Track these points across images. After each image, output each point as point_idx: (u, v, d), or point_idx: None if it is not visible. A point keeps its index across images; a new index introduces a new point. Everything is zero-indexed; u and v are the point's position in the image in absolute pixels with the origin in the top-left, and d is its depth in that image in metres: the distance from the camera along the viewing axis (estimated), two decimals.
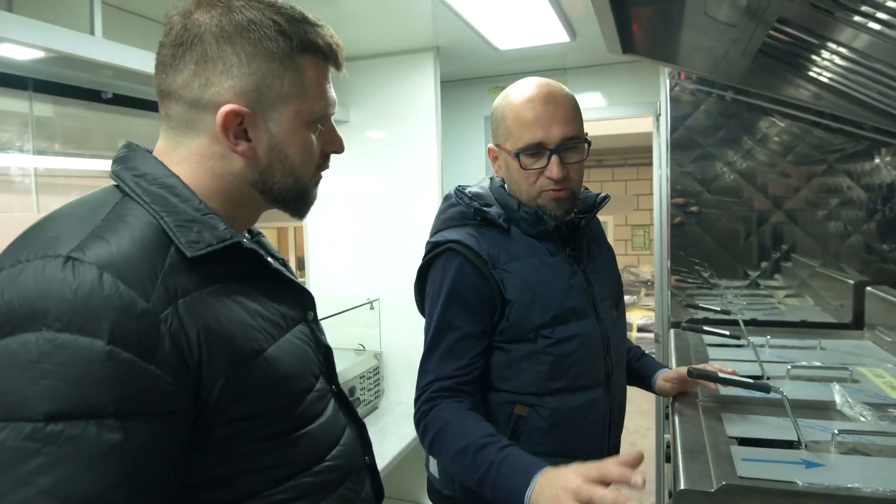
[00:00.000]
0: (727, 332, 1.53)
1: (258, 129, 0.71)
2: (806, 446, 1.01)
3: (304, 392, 0.75)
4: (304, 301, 0.83)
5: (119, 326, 0.57)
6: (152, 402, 0.59)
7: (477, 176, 3.15)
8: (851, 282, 1.85)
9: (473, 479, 0.99)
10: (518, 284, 1.11)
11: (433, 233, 1.21)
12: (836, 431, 1.02)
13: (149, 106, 1.84)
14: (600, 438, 1.17)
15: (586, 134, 1.16)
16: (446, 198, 1.23)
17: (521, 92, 1.13)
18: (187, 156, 0.72)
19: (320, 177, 0.82)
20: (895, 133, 1.77)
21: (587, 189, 1.28)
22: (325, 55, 0.74)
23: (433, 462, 1.22)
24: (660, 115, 2.28)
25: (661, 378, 1.30)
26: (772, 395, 1.11)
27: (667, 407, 1.69)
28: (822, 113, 1.93)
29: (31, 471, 0.53)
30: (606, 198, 1.27)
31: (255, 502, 0.69)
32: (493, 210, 1.15)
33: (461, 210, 1.17)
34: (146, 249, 0.63)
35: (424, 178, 2.45)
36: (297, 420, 0.73)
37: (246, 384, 0.67)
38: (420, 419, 1.09)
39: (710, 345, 1.67)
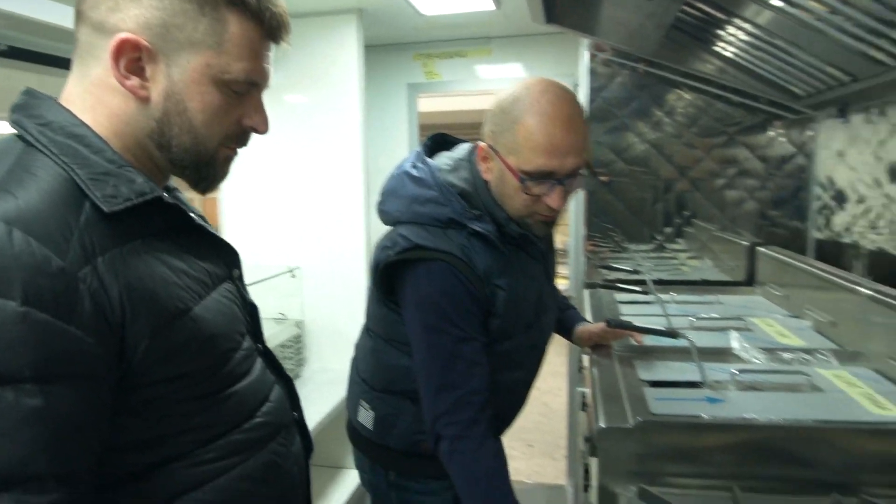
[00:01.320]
0: (638, 289, 1.65)
1: (157, 70, 0.66)
2: (709, 386, 1.12)
3: (230, 351, 0.74)
4: (228, 258, 0.80)
5: (33, 286, 0.54)
6: (73, 364, 0.57)
7: (399, 146, 3.16)
8: (745, 244, 2.02)
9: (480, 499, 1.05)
10: (504, 301, 1.10)
11: (401, 221, 1.12)
12: (735, 372, 1.14)
13: (51, 62, 1.70)
14: (523, 398, 1.28)
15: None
16: (419, 181, 1.11)
17: (542, 108, 1.01)
18: (87, 88, 0.67)
19: (233, 152, 0.76)
20: (788, 107, 1.94)
21: None
22: (258, 18, 0.69)
23: (365, 413, 1.25)
24: (578, 86, 2.36)
25: (581, 329, 1.39)
26: (680, 341, 1.22)
27: (580, 362, 1.81)
28: (725, 87, 2.08)
29: None
30: None
31: (184, 462, 0.68)
32: (489, 228, 1.08)
33: (451, 215, 1.07)
34: (57, 204, 0.59)
35: (347, 146, 2.42)
36: (224, 379, 0.72)
37: (171, 344, 0.65)
38: (453, 439, 1.06)
39: (622, 302, 1.78)
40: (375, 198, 1.22)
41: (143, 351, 0.62)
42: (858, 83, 1.43)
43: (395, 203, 1.14)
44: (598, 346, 1.38)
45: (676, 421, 0.98)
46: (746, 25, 1.49)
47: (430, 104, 3.07)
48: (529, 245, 1.16)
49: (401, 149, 2.97)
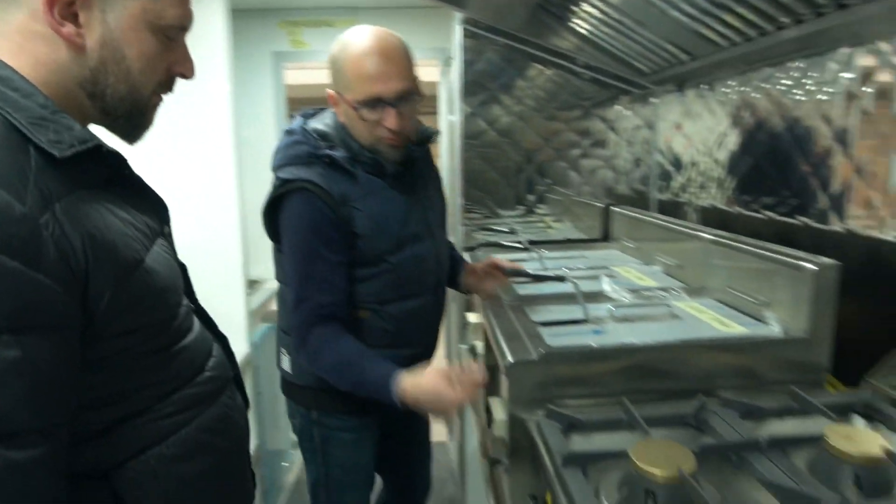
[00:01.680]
0: (519, 245, 1.80)
1: (92, 17, 0.64)
2: (592, 321, 1.29)
3: (177, 306, 0.74)
4: (161, 212, 0.79)
5: (1, 232, 0.51)
6: (46, 314, 0.54)
7: (266, 117, 3.06)
8: (600, 205, 2.27)
9: (349, 384, 1.19)
10: (364, 219, 1.24)
11: (278, 166, 1.26)
12: (612, 308, 1.31)
13: None
14: (429, 333, 1.40)
15: (421, 85, 1.27)
16: (290, 132, 1.29)
17: (360, 44, 1.19)
18: (6, 35, 0.62)
19: (161, 99, 0.75)
20: (635, 82, 2.20)
21: (422, 123, 1.40)
22: None
23: (284, 359, 1.36)
24: (452, 58, 2.46)
25: (469, 266, 1.53)
26: (566, 286, 1.38)
27: (463, 318, 1.93)
28: (581, 63, 2.29)
29: None
30: (438, 132, 1.43)
31: (145, 417, 0.68)
32: (340, 154, 1.24)
33: (309, 150, 1.24)
34: (5, 148, 0.56)
35: (215, 114, 2.29)
36: (174, 334, 0.72)
37: (129, 296, 0.63)
38: (304, 336, 1.21)
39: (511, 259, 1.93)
40: (246, 169, 1.35)
41: (106, 302, 0.60)
42: (695, 61, 1.68)
43: (275, 157, 1.29)
44: (488, 296, 1.50)
45: (572, 350, 1.12)
46: (599, 3, 1.66)
47: (302, 77, 2.99)
48: (392, 176, 1.29)
49: (267, 120, 2.88)
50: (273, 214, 1.26)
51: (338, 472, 1.38)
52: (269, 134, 2.89)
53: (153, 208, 0.75)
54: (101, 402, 0.64)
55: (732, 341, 1.15)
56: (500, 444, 1.31)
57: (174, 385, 0.71)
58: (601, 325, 1.26)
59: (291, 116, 1.31)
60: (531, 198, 2.52)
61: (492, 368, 1.51)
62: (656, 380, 1.11)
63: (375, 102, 1.19)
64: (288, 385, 1.39)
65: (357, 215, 1.22)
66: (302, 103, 1.69)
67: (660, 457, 0.84)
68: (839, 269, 1.09)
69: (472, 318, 1.94)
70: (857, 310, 1.17)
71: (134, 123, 0.72)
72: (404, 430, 1.55)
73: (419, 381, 1.15)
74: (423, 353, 1.40)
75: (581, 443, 0.98)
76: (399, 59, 1.20)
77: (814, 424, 0.99)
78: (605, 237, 2.24)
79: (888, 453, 0.82)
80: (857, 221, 1.28)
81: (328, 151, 1.23)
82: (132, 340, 0.65)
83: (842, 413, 1.00)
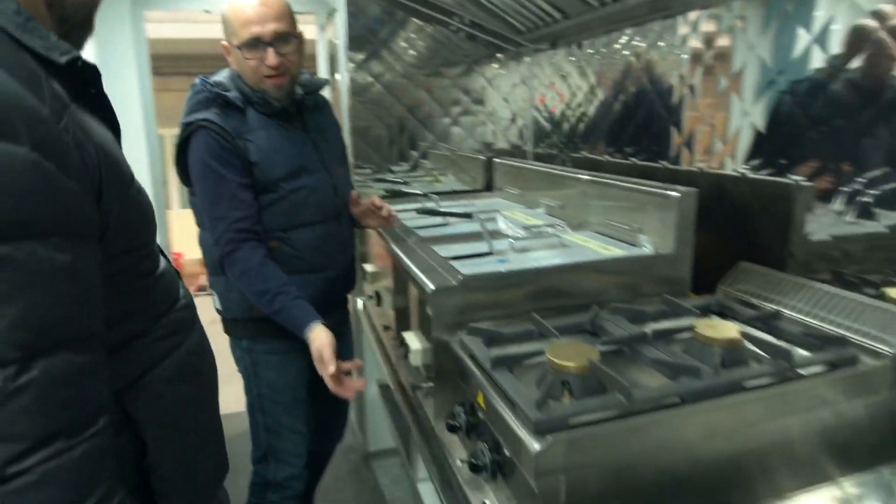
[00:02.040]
0: (419, 193, 1.89)
1: None
2: (496, 253, 1.42)
3: (155, 229, 0.75)
4: (118, 136, 0.77)
5: (35, 131, 0.50)
6: (83, 223, 0.54)
7: (124, 69, 2.82)
8: (483, 158, 2.42)
9: (270, 311, 1.34)
10: (257, 149, 1.41)
11: (183, 116, 1.39)
12: (512, 241, 1.46)
13: None
14: (340, 258, 1.56)
15: (300, 31, 1.44)
16: (193, 86, 1.43)
17: None
18: None
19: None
20: (511, 39, 2.34)
21: (312, 74, 1.55)
22: None
23: (216, 298, 1.51)
24: (336, 11, 2.44)
25: (352, 201, 1.63)
26: (472, 225, 1.50)
27: (362, 271, 2.00)
28: (463, 20, 2.39)
29: None
30: (326, 81, 1.61)
31: (144, 340, 0.69)
32: (232, 94, 1.41)
33: (206, 95, 1.40)
34: (11, 53, 0.53)
35: None
36: (155, 259, 0.74)
37: (128, 213, 0.64)
38: (226, 255, 1.35)
39: (400, 210, 2.01)
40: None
41: (114, 218, 0.60)
42: (567, 20, 1.84)
43: (183, 112, 1.41)
44: (369, 227, 1.67)
45: (486, 276, 1.24)
46: None
47: (168, 31, 2.78)
48: (281, 116, 1.45)
49: (126, 73, 2.67)
50: (182, 159, 1.41)
51: (268, 392, 1.52)
52: (131, 90, 2.69)
53: (115, 128, 0.74)
54: (110, 322, 0.63)
55: (614, 262, 1.33)
56: (419, 371, 1.42)
57: (161, 309, 0.73)
58: (505, 255, 1.40)
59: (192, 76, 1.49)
60: (415, 153, 2.60)
61: (401, 310, 1.61)
62: (557, 298, 1.27)
63: (255, 43, 1.36)
64: (222, 322, 1.53)
65: (250, 146, 1.39)
66: (167, 59, 1.79)
67: (571, 354, 0.99)
68: (696, 195, 1.31)
69: (369, 267, 2.02)
70: (708, 233, 1.40)
71: (85, 29, 0.69)
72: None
73: (316, 343, 1.34)
74: (339, 276, 1.59)
75: (502, 352, 1.11)
76: (274, 3, 1.37)
77: (684, 321, 1.21)
78: (489, 188, 2.40)
79: (742, 335, 1.04)
80: (703, 162, 1.53)
81: (220, 92, 1.39)
82: (129, 261, 0.65)
83: (704, 312, 1.23)
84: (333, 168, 1.54)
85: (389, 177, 2.46)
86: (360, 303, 2.27)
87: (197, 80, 1.43)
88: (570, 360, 0.96)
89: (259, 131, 1.41)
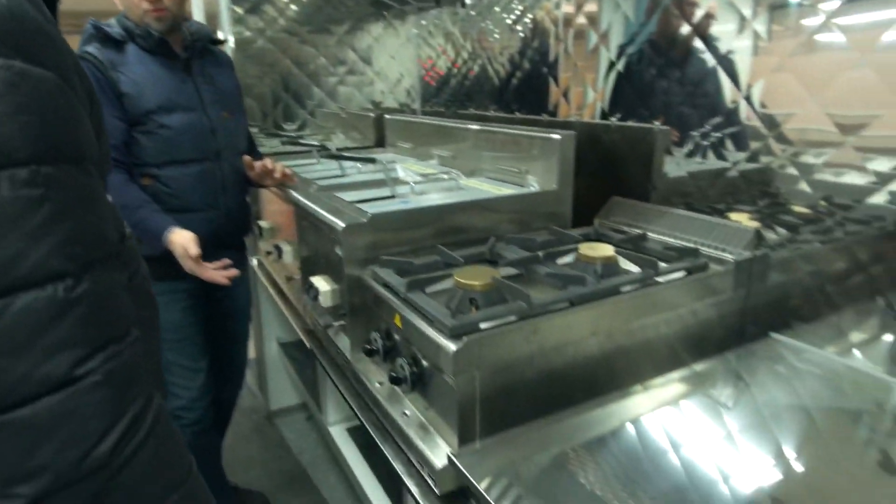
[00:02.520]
0: (315, 144, 1.91)
1: None
2: (398, 196, 1.50)
3: None
4: None
5: (55, 55, 0.52)
6: (93, 147, 0.58)
7: None
8: (373, 115, 2.47)
9: (131, 225, 1.31)
10: (129, 81, 1.47)
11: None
12: (412, 185, 1.54)
13: None
14: (217, 198, 1.59)
15: None
16: (84, 31, 1.48)
17: None
18: None
19: None
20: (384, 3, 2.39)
21: (205, 25, 1.63)
22: None
23: None
24: None
25: (246, 165, 1.67)
26: (369, 173, 1.56)
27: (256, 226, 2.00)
28: None
29: (41, 222, 0.48)
30: (218, 39, 1.68)
31: None
32: (113, 29, 1.48)
33: (90, 32, 1.48)
34: None
35: None
36: None
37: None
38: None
39: (298, 164, 2.02)
40: None
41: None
42: None
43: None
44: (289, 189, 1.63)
45: (393, 213, 1.31)
46: None
47: None
48: (165, 55, 1.51)
49: None
50: None
51: None
52: None
53: None
54: None
55: (506, 199, 1.46)
56: (330, 311, 1.48)
57: (115, 240, 0.76)
58: (406, 198, 1.49)
59: None
60: (303, 112, 2.59)
61: (306, 258, 1.65)
62: (457, 233, 1.38)
63: None
64: None
65: (122, 78, 1.45)
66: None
67: (475, 275, 1.10)
68: (575, 137, 1.47)
69: (265, 224, 2.02)
70: (585, 176, 1.58)
71: None
72: (224, 298, 1.75)
73: (178, 241, 1.41)
74: (223, 217, 1.62)
75: (414, 277, 1.20)
76: None
77: (569, 246, 1.37)
78: (380, 144, 2.46)
79: (615, 253, 1.22)
80: (576, 114, 1.71)
81: (100, 26, 1.47)
82: None
83: (585, 239, 1.39)
84: (215, 112, 1.59)
85: (277, 135, 2.44)
86: (254, 261, 2.26)
87: (88, 24, 1.49)
88: (476, 280, 1.08)
89: (136, 66, 1.48)
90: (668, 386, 1.10)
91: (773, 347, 1.21)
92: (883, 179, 1.08)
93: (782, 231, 1.27)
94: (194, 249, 1.40)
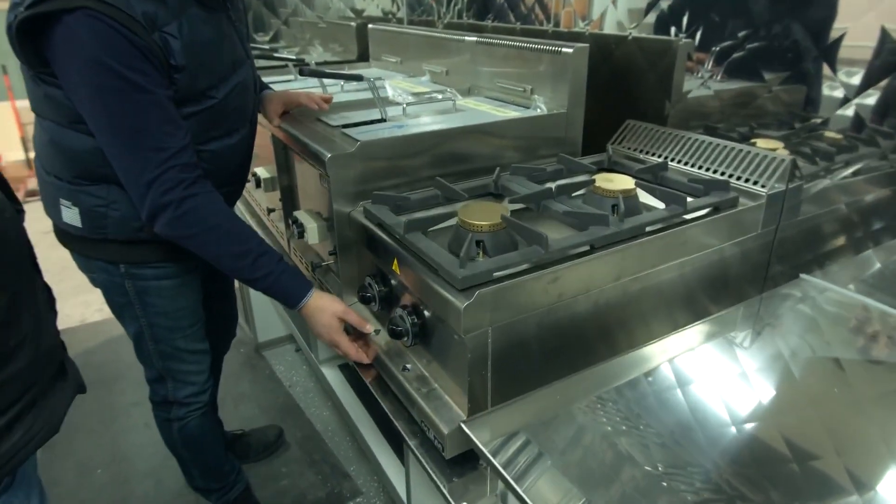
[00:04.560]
0: (292, 58, 1.70)
1: None
2: (390, 119, 1.34)
3: None
4: None
5: None
6: None
7: None
8: (355, 25, 2.22)
9: (250, 277, 1.07)
10: (182, 50, 0.99)
11: None
12: (404, 107, 1.37)
13: None
14: (246, 166, 1.28)
15: None
16: None
17: None
18: None
19: None
20: None
21: None
22: None
23: (69, 212, 1.11)
24: None
25: (268, 94, 1.41)
26: (356, 93, 1.38)
27: None
28: None
29: None
30: None
31: None
32: None
33: None
34: None
35: None
36: None
37: None
38: (175, 204, 1.00)
39: (277, 81, 1.82)
40: None
41: None
42: None
43: None
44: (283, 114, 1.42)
45: (386, 140, 1.16)
46: None
47: None
48: None
49: None
50: (37, 39, 0.94)
51: (161, 321, 1.26)
52: None
53: None
54: None
55: (511, 122, 1.30)
56: (318, 248, 1.35)
57: None
58: (400, 122, 1.32)
59: None
60: (276, 21, 2.34)
61: (288, 188, 1.49)
62: (456, 163, 1.24)
63: None
64: (79, 241, 1.16)
65: (172, 42, 0.98)
66: None
67: (482, 213, 0.97)
68: (587, 50, 1.30)
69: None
70: (595, 95, 1.41)
71: None
72: None
73: (329, 310, 1.09)
74: (238, 189, 1.30)
75: (413, 216, 1.07)
76: None
77: (583, 177, 1.24)
78: (364, 57, 2.23)
79: (636, 185, 1.09)
80: (587, 25, 1.51)
81: None
82: None
83: (598, 169, 1.25)
84: (249, 49, 1.23)
85: (252, 45, 2.21)
86: None
87: None
88: (483, 219, 0.95)
89: (180, 22, 0.99)
90: (687, 332, 1.00)
91: (801, 288, 1.11)
92: None
93: (816, 161, 1.14)
94: (356, 318, 1.09)
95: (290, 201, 1.50)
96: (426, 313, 0.96)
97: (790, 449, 0.71)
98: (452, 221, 1.00)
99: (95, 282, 1.23)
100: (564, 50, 1.29)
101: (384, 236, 1.01)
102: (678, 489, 0.65)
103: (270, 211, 1.68)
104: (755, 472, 0.68)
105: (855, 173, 1.08)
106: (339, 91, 1.68)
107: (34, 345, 0.79)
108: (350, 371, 1.77)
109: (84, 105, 0.97)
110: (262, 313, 2.41)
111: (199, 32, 1.02)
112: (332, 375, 1.76)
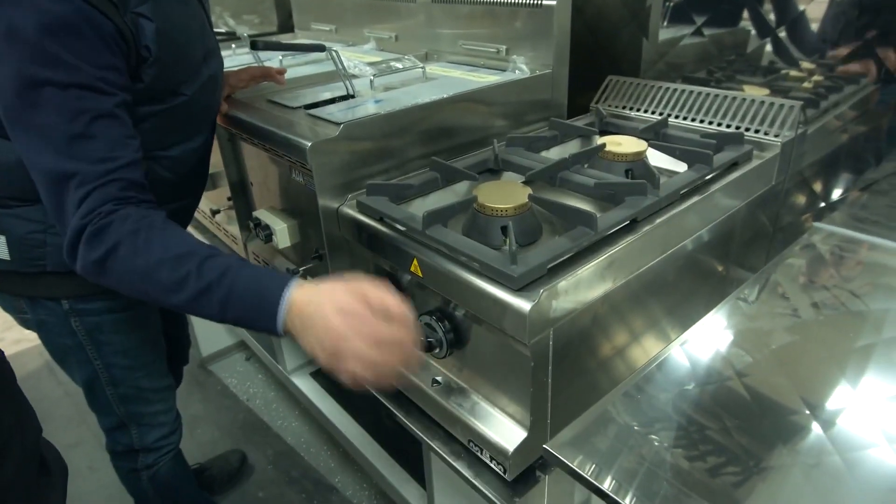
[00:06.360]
0: (222, 33, 1.47)
1: None
2: (358, 95, 1.17)
3: None
4: None
5: None
6: None
7: None
8: None
9: (195, 288, 0.68)
10: (156, 36, 0.77)
11: None
12: (371, 79, 1.20)
13: None
14: (205, 178, 1.05)
15: None
16: None
17: None
18: None
19: None
20: None
21: None
22: None
23: None
24: None
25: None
26: (326, 53, 1.20)
27: None
28: None
29: None
30: None
31: None
32: None
33: None
34: None
35: None
36: None
37: None
38: (94, 235, 0.70)
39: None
40: None
41: None
42: None
43: None
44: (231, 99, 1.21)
45: (369, 119, 0.98)
46: None
47: None
48: None
49: None
50: None
51: (119, 360, 1.03)
52: None
53: None
54: None
55: (498, 87, 1.15)
56: (290, 252, 1.17)
57: None
58: (370, 97, 1.15)
59: None
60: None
61: (239, 184, 1.29)
62: (445, 138, 1.09)
63: None
64: (6, 276, 0.92)
65: (145, 26, 0.76)
66: None
67: (502, 194, 0.85)
68: (570, 1, 1.18)
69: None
70: (572, 52, 1.30)
71: None
72: None
73: (324, 320, 0.65)
74: (194, 202, 1.06)
75: (418, 207, 0.92)
76: None
77: (588, 143, 1.13)
78: (288, 28, 2.00)
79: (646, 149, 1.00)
80: None
81: None
82: None
83: (591, 131, 1.15)
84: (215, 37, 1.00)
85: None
86: None
87: None
88: (506, 202, 0.82)
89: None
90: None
91: (815, 237, 1.08)
92: None
93: (818, 104, 1.10)
94: (395, 304, 0.67)
95: (242, 200, 1.30)
96: (457, 317, 0.83)
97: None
98: (467, 206, 0.86)
99: (29, 323, 0.98)
100: (546, 3, 1.16)
101: (392, 233, 0.86)
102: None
103: (215, 213, 1.46)
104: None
105: (845, 108, 1.06)
106: (278, 66, 1.47)
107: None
108: (325, 378, 1.60)
109: (2, 98, 0.73)
110: (203, 323, 2.16)
111: (177, 16, 0.82)
112: (306, 385, 1.58)
